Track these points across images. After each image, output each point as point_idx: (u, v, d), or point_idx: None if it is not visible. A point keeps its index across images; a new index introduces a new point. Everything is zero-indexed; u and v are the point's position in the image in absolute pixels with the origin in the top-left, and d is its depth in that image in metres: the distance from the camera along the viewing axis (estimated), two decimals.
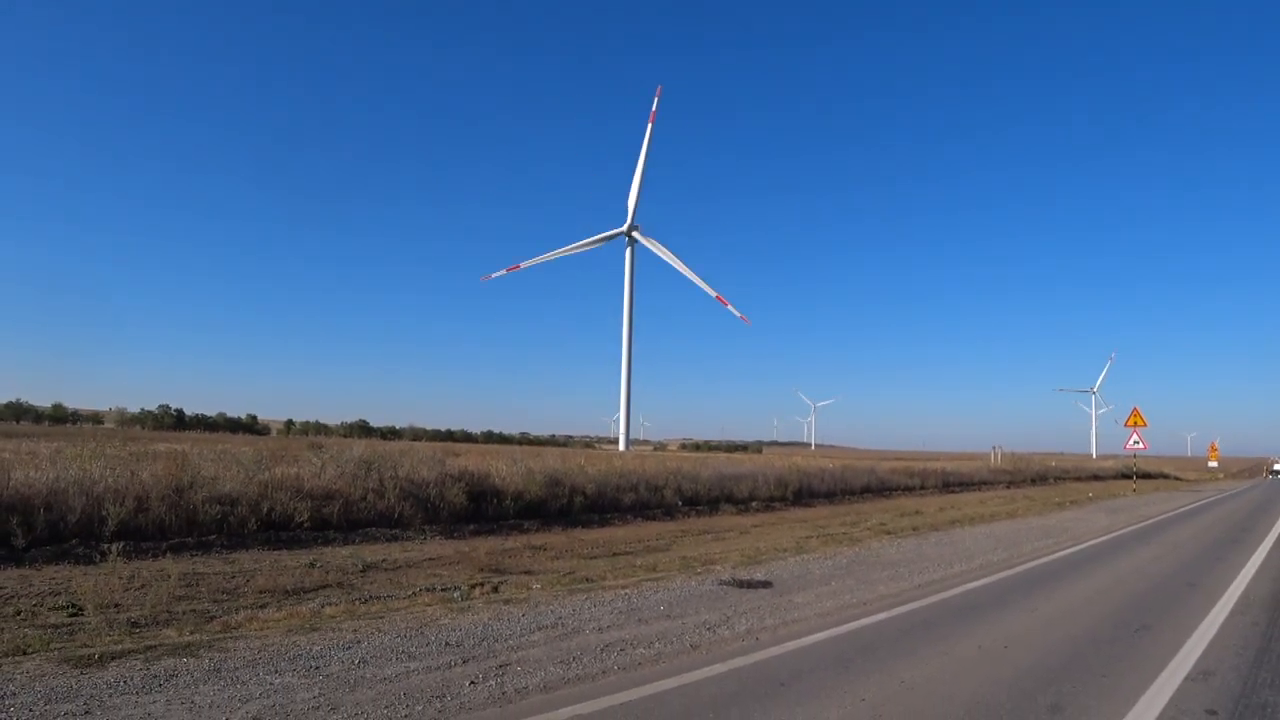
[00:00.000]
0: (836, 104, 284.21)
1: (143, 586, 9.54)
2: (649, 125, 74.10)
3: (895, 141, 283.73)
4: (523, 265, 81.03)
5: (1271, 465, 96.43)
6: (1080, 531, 20.40)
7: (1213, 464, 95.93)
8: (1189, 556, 15.83)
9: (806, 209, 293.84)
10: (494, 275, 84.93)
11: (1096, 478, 60.88)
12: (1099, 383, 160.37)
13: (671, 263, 74.90)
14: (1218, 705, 6.12)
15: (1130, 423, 38.16)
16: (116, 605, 8.65)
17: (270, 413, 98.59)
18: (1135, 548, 17.20)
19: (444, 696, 5.90)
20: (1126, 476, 58.53)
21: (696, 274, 75.46)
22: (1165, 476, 75.14)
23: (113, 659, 6.54)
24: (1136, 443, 37.67)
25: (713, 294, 76.92)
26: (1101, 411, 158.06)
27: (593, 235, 76.60)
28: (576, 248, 77.80)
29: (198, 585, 9.96)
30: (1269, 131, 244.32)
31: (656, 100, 75.01)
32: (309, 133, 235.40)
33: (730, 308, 78.43)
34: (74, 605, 8.51)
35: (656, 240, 75.10)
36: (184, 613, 8.49)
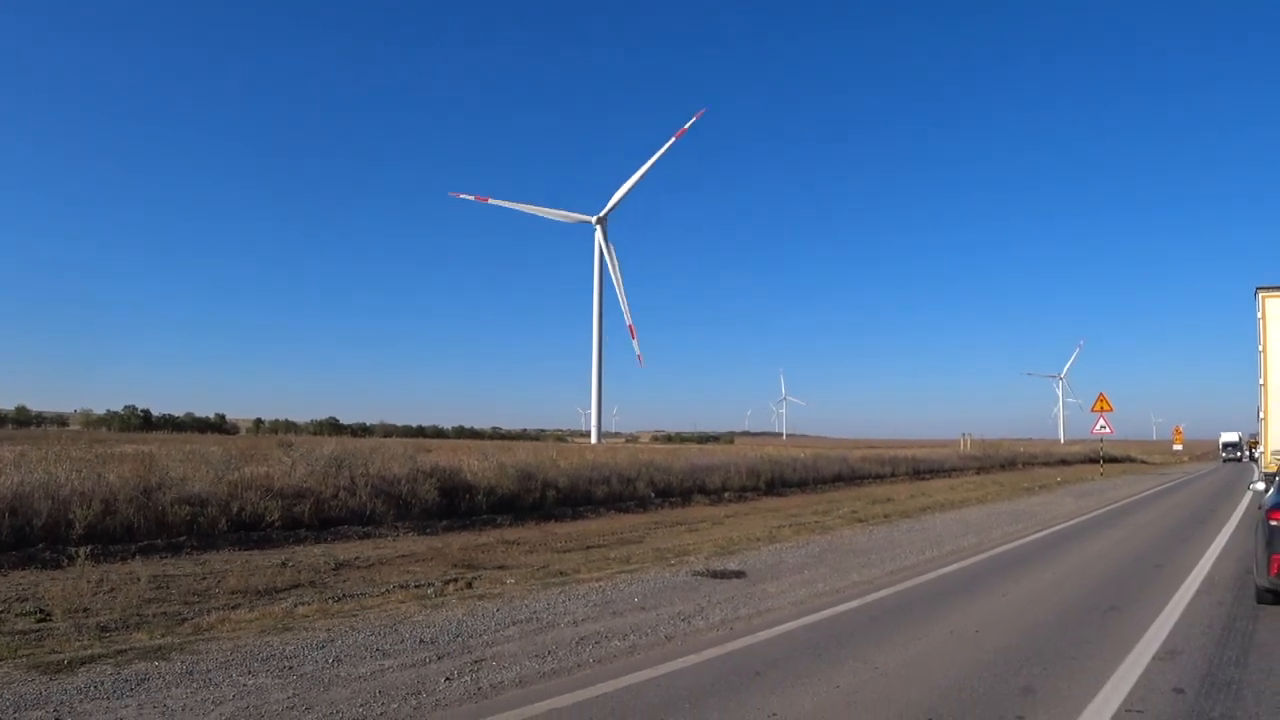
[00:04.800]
0: (799, 95, 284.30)
1: (112, 590, 9.41)
2: (673, 138, 73.70)
3: (856, 131, 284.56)
4: (490, 200, 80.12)
5: (1221, 441, 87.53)
6: (1049, 516, 20.70)
7: (1178, 447, 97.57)
8: (1155, 539, 16.12)
9: (770, 199, 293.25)
10: (462, 196, 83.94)
11: (1064, 463, 61.69)
12: (1066, 368, 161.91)
13: (612, 273, 74.70)
14: (1184, 683, 6.23)
15: (1096, 408, 38.71)
16: (85, 609, 8.52)
17: (239, 412, 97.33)
18: (1103, 531, 17.48)
19: (419, 694, 5.88)
20: (1094, 461, 59.29)
21: (628, 299, 75.56)
22: (1131, 460, 76.25)
23: (82, 664, 6.45)
24: (1103, 428, 38.19)
25: (628, 322, 77.02)
26: (1070, 400, 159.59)
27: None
28: (546, 212, 77.09)
29: (168, 587, 9.84)
30: (1230, 117, 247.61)
31: (694, 120, 74.99)
32: (285, 130, 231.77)
33: (635, 342, 78.48)
34: (42, 610, 8.38)
35: (614, 246, 74.91)
36: (155, 616, 8.39)
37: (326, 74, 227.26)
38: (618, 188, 75.13)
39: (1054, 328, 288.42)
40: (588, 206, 75.86)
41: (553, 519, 18.58)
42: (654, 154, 74.04)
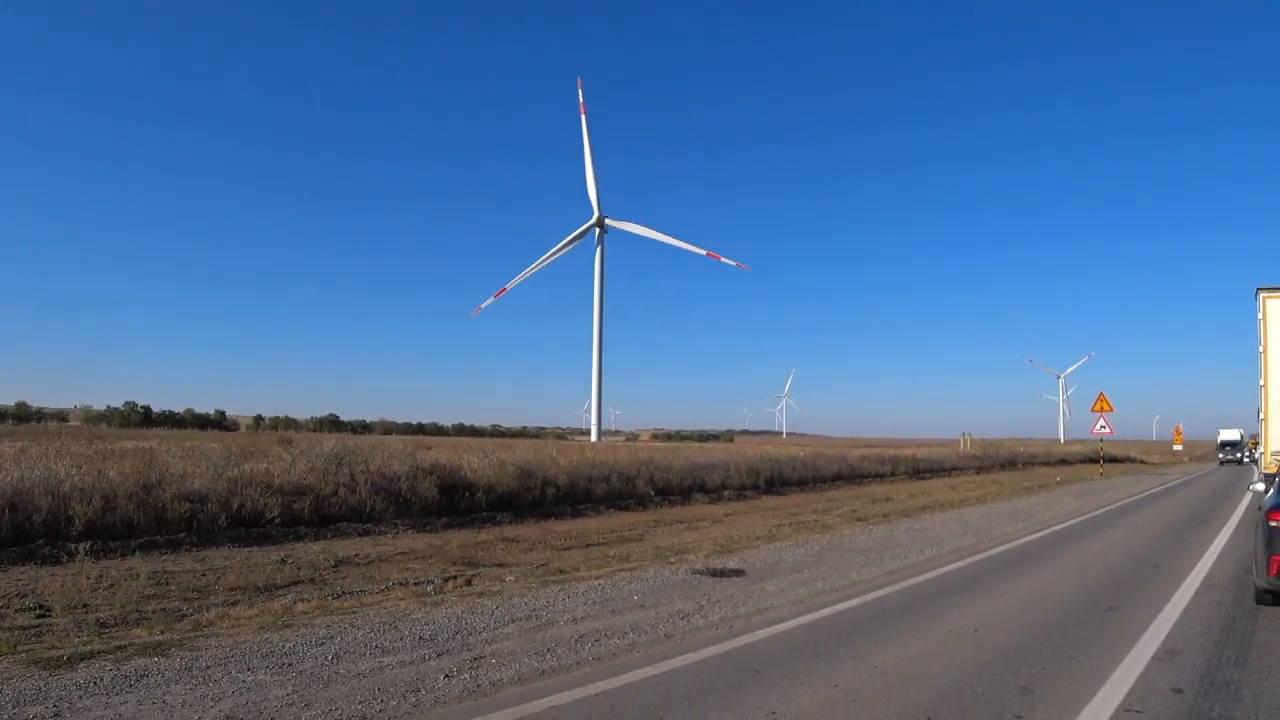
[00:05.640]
0: (799, 95, 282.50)
1: (111, 586, 9.42)
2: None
3: (856, 131, 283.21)
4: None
5: (1219, 440, 78.14)
6: (1048, 516, 20.69)
7: (1178, 447, 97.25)
8: (1154, 539, 16.11)
9: (770, 199, 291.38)
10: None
11: (1064, 462, 61.69)
12: (1069, 372, 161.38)
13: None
14: (1184, 684, 6.23)
15: (1096, 408, 38.70)
16: (85, 605, 8.54)
17: (239, 408, 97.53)
18: (1102, 531, 17.48)
19: (418, 691, 5.88)
20: (1093, 461, 59.14)
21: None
22: (1131, 460, 76.09)
23: (82, 660, 6.45)
24: (1103, 428, 38.19)
25: (507, 285, 78.25)
26: (1069, 418, 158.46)
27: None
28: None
29: (167, 584, 9.85)
30: (1230, 117, 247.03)
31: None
32: (285, 128, 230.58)
33: (490, 301, 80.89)
34: (41, 606, 8.39)
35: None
36: (154, 612, 8.39)
37: (326, 73, 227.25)
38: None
39: (1054, 328, 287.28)
40: (588, 206, 75.26)
41: (552, 517, 18.58)
42: (691, 247, 75.59)
